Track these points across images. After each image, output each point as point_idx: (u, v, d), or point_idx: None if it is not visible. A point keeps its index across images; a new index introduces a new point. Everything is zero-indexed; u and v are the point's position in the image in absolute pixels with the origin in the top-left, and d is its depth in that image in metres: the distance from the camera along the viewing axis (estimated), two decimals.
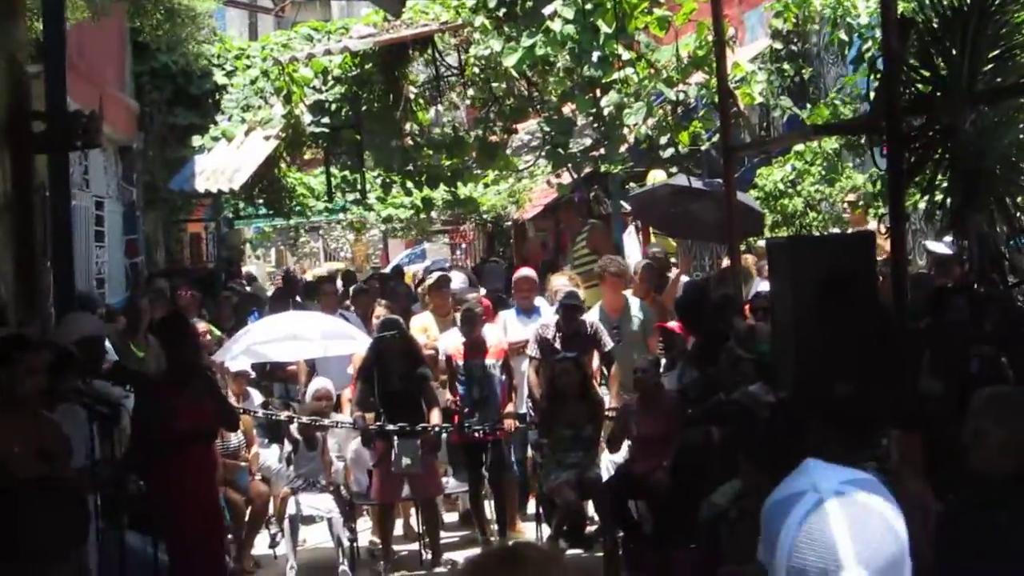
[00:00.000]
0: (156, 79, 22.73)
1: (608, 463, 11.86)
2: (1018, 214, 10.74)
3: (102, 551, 8.67)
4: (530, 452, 12.76)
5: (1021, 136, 11.13)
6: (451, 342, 12.76)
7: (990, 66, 10.78)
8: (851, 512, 2.30)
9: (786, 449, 7.75)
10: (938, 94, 10.73)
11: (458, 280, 14.78)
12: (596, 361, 12.60)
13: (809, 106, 17.40)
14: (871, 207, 15.69)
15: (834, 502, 2.32)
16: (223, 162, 21.34)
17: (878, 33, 13.60)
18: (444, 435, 12.51)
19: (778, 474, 7.62)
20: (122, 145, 20.48)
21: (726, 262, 14.33)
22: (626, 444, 11.49)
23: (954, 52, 10.63)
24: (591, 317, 12.86)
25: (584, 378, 11.82)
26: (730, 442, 9.63)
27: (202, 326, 13.25)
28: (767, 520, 2.41)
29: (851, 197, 16.45)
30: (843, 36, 17.32)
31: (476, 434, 12.33)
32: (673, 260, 16.33)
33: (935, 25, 10.81)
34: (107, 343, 10.80)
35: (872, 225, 14.78)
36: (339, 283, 20.49)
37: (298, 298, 19.00)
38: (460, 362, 12.47)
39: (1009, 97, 10.86)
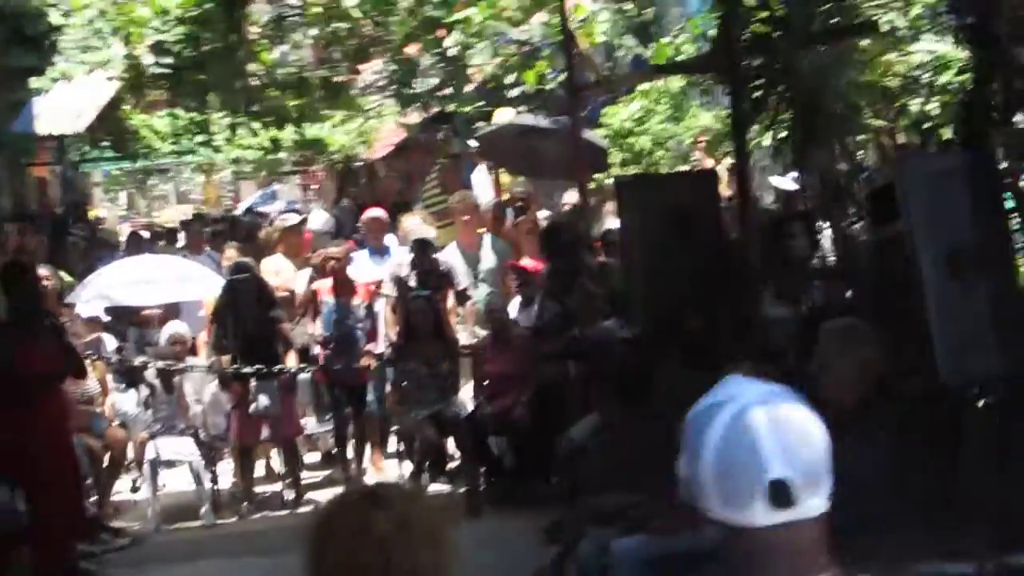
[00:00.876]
0: None
1: (467, 400, 12.01)
2: (859, 152, 11.09)
3: None
4: (388, 390, 12.85)
5: (857, 78, 11.45)
6: (307, 281, 12.82)
7: (827, 7, 11.07)
8: (774, 417, 2.30)
9: (641, 382, 8.04)
10: (776, 35, 11.01)
11: (319, 220, 14.70)
12: (451, 299, 12.72)
13: (653, 45, 17.62)
14: (718, 145, 15.97)
15: (757, 408, 2.31)
16: (64, 103, 21.04)
17: None
18: (307, 375, 12.57)
19: (635, 407, 7.89)
20: None
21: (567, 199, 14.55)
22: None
23: None
24: (447, 255, 12.94)
25: (438, 316, 11.95)
26: (586, 377, 9.91)
27: (46, 271, 13.02)
28: (689, 431, 2.38)
29: (701, 137, 16.69)
30: None
31: (338, 373, 12.40)
32: None
33: None
34: None
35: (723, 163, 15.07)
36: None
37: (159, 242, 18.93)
38: (328, 299, 12.49)
39: (843, 37, 11.17)
